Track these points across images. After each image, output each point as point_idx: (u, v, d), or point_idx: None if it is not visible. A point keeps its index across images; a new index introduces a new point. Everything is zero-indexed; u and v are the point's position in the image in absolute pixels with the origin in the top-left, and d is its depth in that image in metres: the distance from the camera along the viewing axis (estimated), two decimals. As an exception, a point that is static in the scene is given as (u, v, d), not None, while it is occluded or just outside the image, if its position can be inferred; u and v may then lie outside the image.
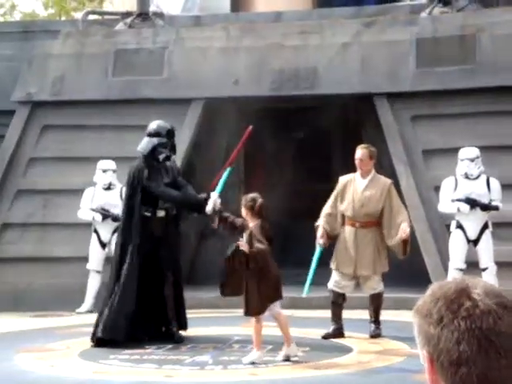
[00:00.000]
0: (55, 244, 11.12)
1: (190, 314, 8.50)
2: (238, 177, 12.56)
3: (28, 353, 7.45)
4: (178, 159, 11.41)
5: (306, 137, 13.14)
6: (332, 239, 7.86)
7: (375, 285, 7.78)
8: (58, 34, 12.28)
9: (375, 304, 7.80)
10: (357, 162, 7.85)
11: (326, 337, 7.76)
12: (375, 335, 7.73)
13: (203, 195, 7.86)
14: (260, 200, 6.88)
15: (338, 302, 7.80)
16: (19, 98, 11.87)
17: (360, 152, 7.85)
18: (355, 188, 7.82)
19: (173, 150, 8.18)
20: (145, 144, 8.10)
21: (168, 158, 8.10)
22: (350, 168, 8.08)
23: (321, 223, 7.83)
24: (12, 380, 6.44)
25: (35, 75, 11.90)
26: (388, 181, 7.96)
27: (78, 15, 14.14)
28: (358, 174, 7.90)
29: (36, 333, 8.70)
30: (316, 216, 7.99)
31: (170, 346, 7.60)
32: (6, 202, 11.54)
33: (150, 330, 7.85)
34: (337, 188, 7.96)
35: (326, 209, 7.90)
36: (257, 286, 6.71)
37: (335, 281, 7.81)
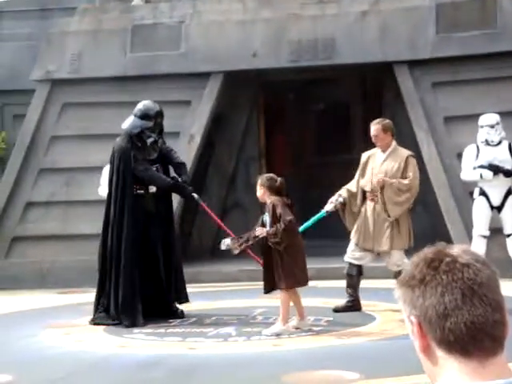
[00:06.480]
0: (79, 221, 11.18)
1: (213, 287, 8.54)
2: (258, 150, 12.52)
3: (54, 328, 7.53)
4: (197, 134, 11.45)
5: (325, 108, 13.05)
6: (346, 212, 7.76)
7: (398, 261, 7.47)
8: (75, 11, 12.26)
9: None
10: (372, 138, 7.80)
11: (336, 310, 7.62)
12: None
13: (183, 178, 7.73)
14: (280, 179, 6.83)
15: (352, 274, 7.67)
16: (38, 77, 11.88)
17: (373, 128, 7.77)
18: (375, 162, 7.76)
19: (160, 133, 7.85)
20: (131, 124, 7.72)
21: (156, 143, 7.77)
22: (370, 139, 7.99)
23: (340, 192, 7.80)
24: (39, 355, 6.51)
25: (53, 53, 11.89)
26: (407, 152, 7.80)
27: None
28: (378, 149, 7.84)
29: (61, 309, 8.79)
30: (337, 188, 7.93)
31: (193, 319, 7.64)
32: (29, 181, 11.61)
33: (147, 310, 7.59)
34: (360, 165, 7.90)
35: (349, 185, 7.87)
36: (293, 258, 6.74)
37: (351, 251, 7.73)
